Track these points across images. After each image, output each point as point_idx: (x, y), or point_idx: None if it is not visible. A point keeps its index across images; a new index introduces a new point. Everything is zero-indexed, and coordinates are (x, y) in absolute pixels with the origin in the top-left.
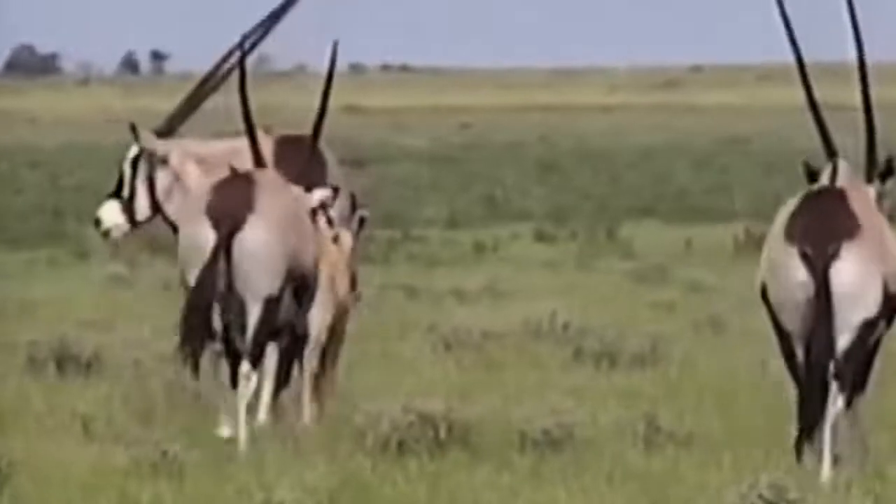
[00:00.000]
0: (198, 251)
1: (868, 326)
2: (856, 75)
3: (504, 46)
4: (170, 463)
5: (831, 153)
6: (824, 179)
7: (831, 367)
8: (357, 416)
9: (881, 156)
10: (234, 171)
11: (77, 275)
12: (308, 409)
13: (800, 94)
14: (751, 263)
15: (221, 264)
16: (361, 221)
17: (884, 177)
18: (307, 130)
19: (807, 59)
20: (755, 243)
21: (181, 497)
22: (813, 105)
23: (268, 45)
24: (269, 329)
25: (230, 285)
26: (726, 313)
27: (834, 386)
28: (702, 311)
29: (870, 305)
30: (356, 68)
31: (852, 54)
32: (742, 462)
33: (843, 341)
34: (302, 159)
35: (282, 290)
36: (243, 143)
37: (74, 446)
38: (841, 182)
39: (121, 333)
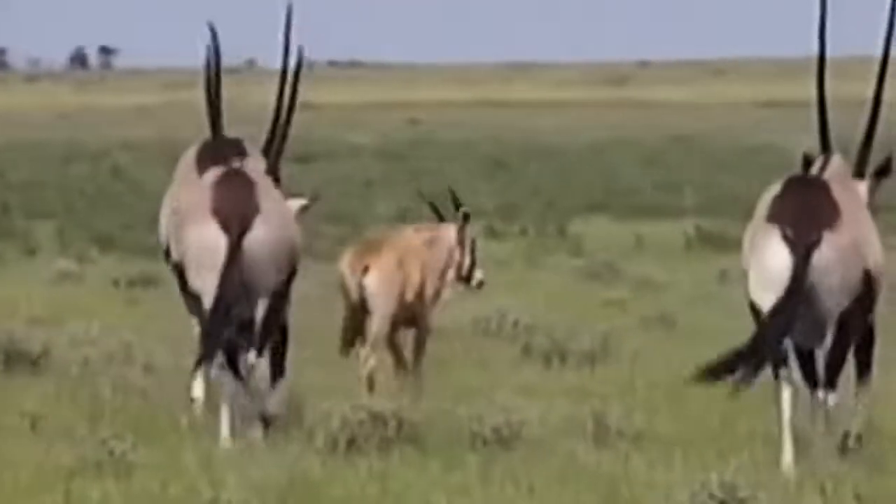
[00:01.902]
0: (207, 251)
1: (849, 317)
2: (872, 71)
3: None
4: (117, 461)
5: (826, 149)
6: (814, 170)
7: (818, 357)
8: (306, 415)
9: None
10: (225, 166)
11: (25, 271)
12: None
13: (749, 90)
14: (701, 260)
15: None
16: (466, 217)
17: (880, 174)
18: (266, 125)
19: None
20: (705, 240)
21: (129, 495)
22: (821, 101)
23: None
24: (276, 323)
25: (240, 283)
26: (676, 310)
27: (822, 391)
28: (652, 308)
29: (849, 295)
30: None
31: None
32: (692, 460)
33: (827, 331)
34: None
35: (286, 283)
36: None
37: (22, 444)
38: (830, 175)
39: (69, 330)
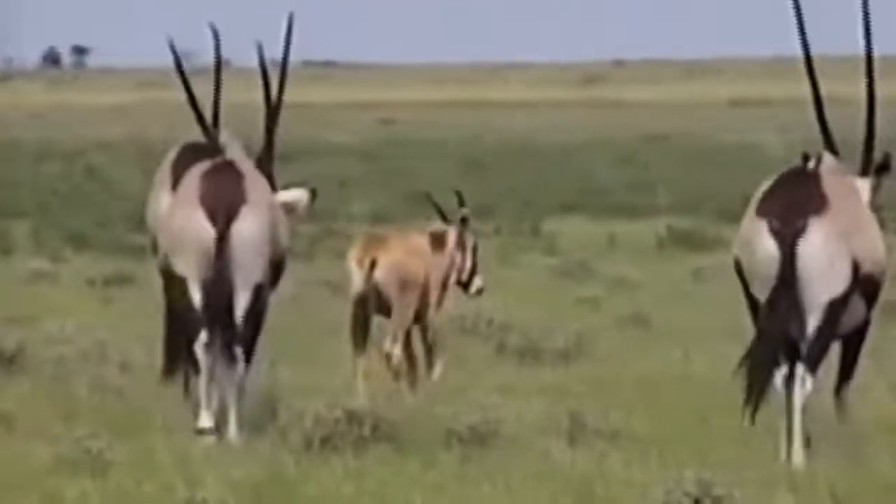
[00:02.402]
0: (194, 238)
1: (836, 306)
2: (861, 70)
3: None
4: (94, 460)
5: (831, 148)
6: (809, 167)
7: (802, 348)
8: (281, 414)
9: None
10: (216, 159)
11: (0, 270)
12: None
13: (721, 90)
14: (674, 259)
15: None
16: (464, 220)
17: (880, 171)
18: (238, 125)
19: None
20: (678, 239)
21: (105, 494)
22: (817, 101)
23: (191, 41)
24: (260, 312)
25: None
26: (650, 309)
27: (801, 367)
28: (625, 307)
29: (836, 283)
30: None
31: (854, 49)
32: (668, 458)
33: (812, 321)
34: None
35: (270, 274)
36: None
37: None
38: (822, 170)
39: (44, 329)
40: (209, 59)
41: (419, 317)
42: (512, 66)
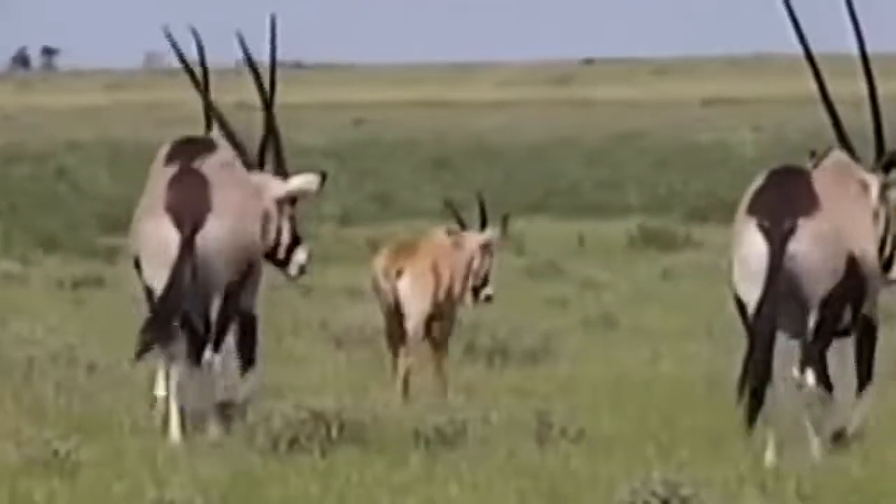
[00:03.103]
0: (160, 247)
1: (831, 304)
2: (859, 67)
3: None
4: (62, 461)
5: (845, 144)
6: (809, 164)
7: (799, 348)
8: (249, 414)
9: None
10: (184, 165)
11: None
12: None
13: (691, 88)
14: (643, 258)
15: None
16: (505, 221)
17: (887, 167)
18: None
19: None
20: (647, 238)
21: (74, 495)
22: (825, 97)
23: (160, 43)
24: (231, 317)
25: (193, 279)
26: (619, 309)
27: (799, 367)
28: (594, 308)
29: (828, 282)
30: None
31: (852, 46)
32: (634, 458)
33: (809, 320)
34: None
35: (240, 280)
36: None
37: None
38: (825, 166)
39: (13, 331)
40: (174, 60)
41: (443, 315)
42: (481, 66)
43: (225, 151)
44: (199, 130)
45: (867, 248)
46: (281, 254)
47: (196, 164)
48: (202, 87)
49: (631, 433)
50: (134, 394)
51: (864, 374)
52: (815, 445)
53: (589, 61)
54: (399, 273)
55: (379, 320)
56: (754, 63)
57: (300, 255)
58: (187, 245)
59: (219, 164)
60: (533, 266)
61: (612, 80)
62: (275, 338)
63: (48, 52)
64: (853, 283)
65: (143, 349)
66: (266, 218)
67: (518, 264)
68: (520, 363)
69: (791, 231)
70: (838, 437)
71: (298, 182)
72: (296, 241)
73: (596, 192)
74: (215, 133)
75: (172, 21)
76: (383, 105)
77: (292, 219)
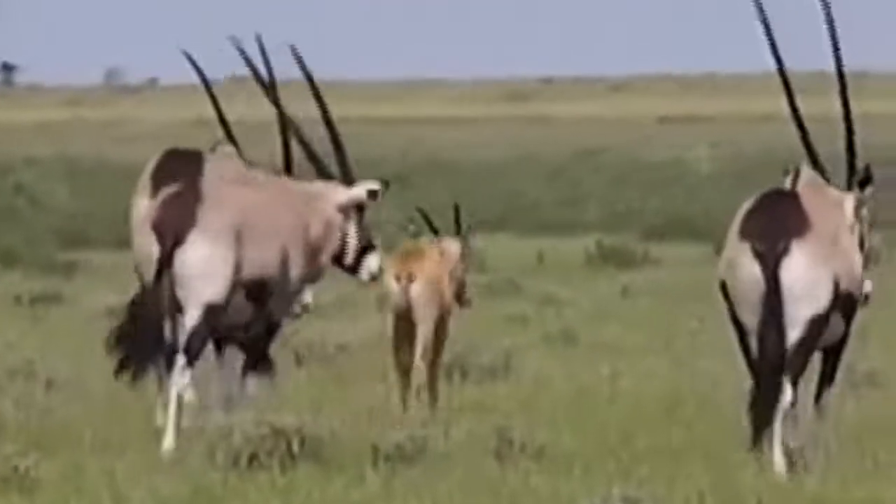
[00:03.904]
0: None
1: (818, 323)
2: (834, 85)
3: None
4: (21, 477)
5: (814, 161)
6: (787, 184)
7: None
8: (208, 430)
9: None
10: (185, 182)
11: None
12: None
13: (648, 106)
14: (602, 276)
15: (166, 275)
16: (469, 229)
17: (862, 184)
18: (167, 143)
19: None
20: (606, 255)
21: None
22: (796, 115)
23: (120, 59)
24: (207, 333)
25: (173, 292)
26: (578, 326)
27: (782, 379)
28: (554, 325)
29: (819, 302)
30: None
31: (828, 64)
32: (595, 475)
33: (792, 336)
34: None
35: (227, 297)
36: None
37: None
38: (801, 186)
39: None
40: (138, 77)
41: (444, 325)
42: (440, 83)
43: (218, 163)
44: (158, 146)
45: (853, 268)
46: (349, 260)
47: (194, 181)
48: (275, 98)
49: (591, 450)
50: (93, 409)
51: (826, 385)
52: (781, 460)
53: (547, 79)
54: (410, 278)
55: (340, 337)
56: (709, 81)
57: (371, 261)
58: (165, 261)
59: (221, 177)
60: (493, 283)
61: (570, 98)
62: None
63: (7, 68)
64: (841, 302)
65: (120, 367)
66: (328, 225)
67: (478, 282)
68: (480, 380)
69: (784, 252)
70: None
71: (361, 189)
72: (366, 247)
73: (555, 210)
74: (228, 149)
75: (134, 37)
76: (341, 121)
77: (361, 225)
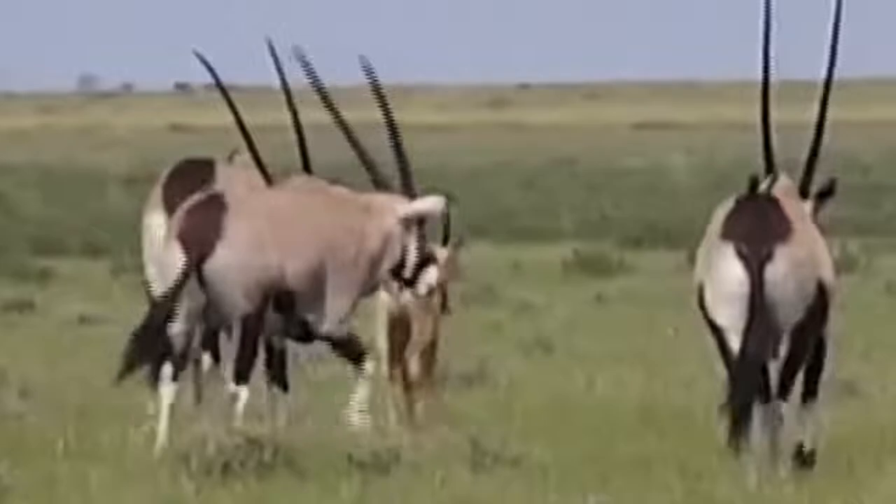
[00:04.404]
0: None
1: (802, 327)
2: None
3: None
4: None
5: (770, 171)
6: (763, 189)
7: (772, 374)
8: (181, 439)
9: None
10: (204, 191)
11: None
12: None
13: (624, 113)
14: (578, 283)
15: (193, 287)
16: (458, 240)
17: (823, 196)
18: (141, 150)
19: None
20: (582, 263)
21: None
22: (765, 122)
23: (94, 65)
24: (254, 345)
25: (207, 307)
26: (554, 334)
27: (760, 379)
28: (529, 332)
29: (803, 306)
30: (181, 87)
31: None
32: (570, 484)
33: (782, 347)
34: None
35: (260, 307)
36: None
37: None
38: (777, 192)
39: None
40: (112, 84)
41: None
42: (416, 89)
43: (231, 173)
44: (131, 153)
45: (830, 273)
46: (408, 273)
47: (216, 190)
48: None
49: (566, 458)
50: (66, 417)
51: (811, 391)
52: (754, 469)
53: (524, 86)
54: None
55: (312, 347)
56: (685, 88)
57: (430, 275)
58: (188, 272)
59: (239, 185)
60: (468, 291)
61: (547, 105)
62: None
63: None
64: (822, 306)
65: (125, 370)
66: (388, 237)
67: (453, 289)
68: (454, 388)
69: (769, 257)
70: (799, 459)
71: (424, 203)
72: (424, 261)
73: (531, 217)
74: (245, 158)
75: (109, 45)
76: (317, 128)
77: (421, 238)
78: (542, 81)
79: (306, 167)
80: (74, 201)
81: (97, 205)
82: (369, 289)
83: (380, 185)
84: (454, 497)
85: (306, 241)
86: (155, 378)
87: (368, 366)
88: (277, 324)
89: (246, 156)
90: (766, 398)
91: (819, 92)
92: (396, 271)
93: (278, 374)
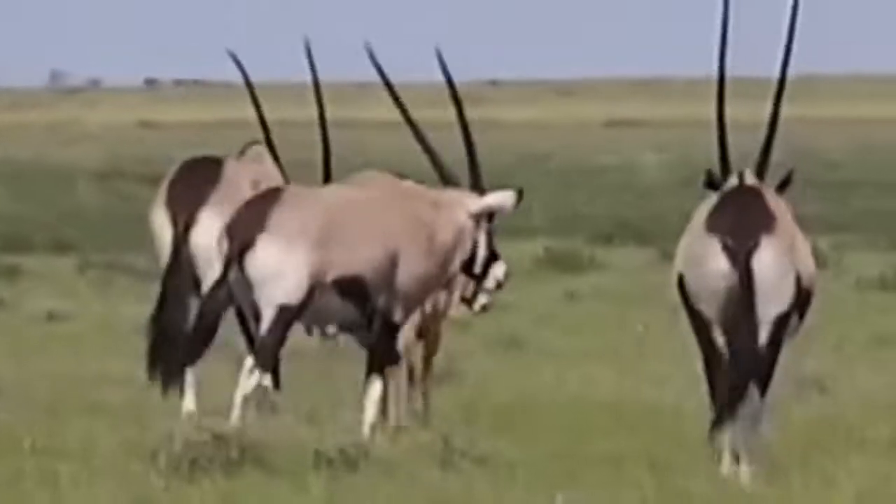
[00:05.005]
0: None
1: (783, 319)
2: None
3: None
4: None
5: (725, 169)
6: (733, 184)
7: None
8: (149, 436)
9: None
10: (273, 187)
11: None
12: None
13: (595, 110)
14: (547, 280)
15: (236, 278)
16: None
17: (780, 188)
18: (110, 145)
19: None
20: (553, 260)
21: None
22: (721, 120)
23: (63, 61)
24: (283, 335)
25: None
26: (524, 331)
27: (752, 374)
28: (499, 329)
29: (785, 298)
30: (150, 83)
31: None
32: (539, 482)
33: (762, 332)
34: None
35: (302, 300)
36: None
37: None
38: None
39: None
40: (79, 79)
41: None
42: (383, 85)
43: (238, 169)
44: (101, 149)
45: (811, 265)
46: (478, 268)
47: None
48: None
49: (535, 456)
50: (35, 414)
51: (766, 388)
52: (730, 463)
53: (494, 82)
54: None
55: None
56: (658, 85)
57: (498, 270)
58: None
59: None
60: None
61: (517, 102)
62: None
63: None
64: (803, 299)
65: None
66: (459, 233)
67: None
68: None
69: (755, 248)
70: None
71: (495, 198)
72: (493, 256)
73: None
74: (259, 149)
75: (80, 40)
76: (278, 124)
77: (489, 234)
78: (513, 78)
79: (327, 165)
80: (43, 197)
81: (66, 201)
82: (442, 283)
83: (448, 181)
84: (423, 494)
85: (370, 236)
86: (166, 380)
87: (378, 384)
88: (341, 315)
89: (258, 148)
90: (744, 392)
91: (774, 88)
92: (466, 266)
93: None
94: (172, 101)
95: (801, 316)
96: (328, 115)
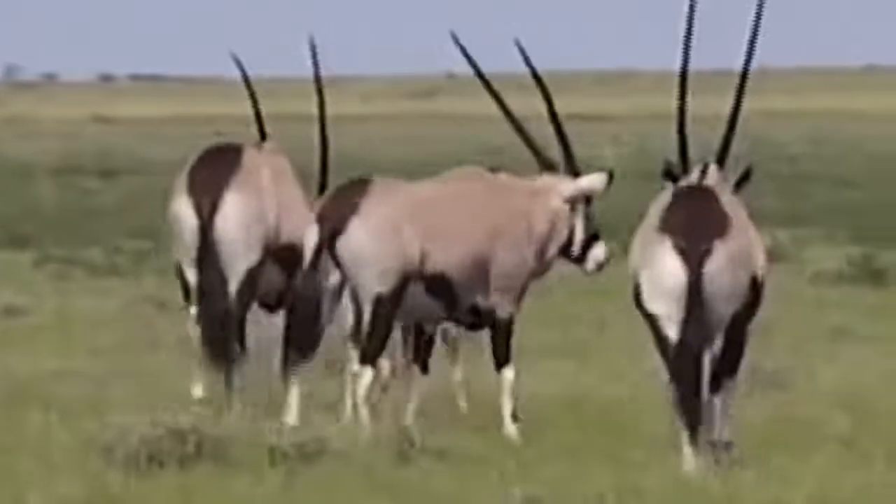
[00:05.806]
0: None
1: (737, 320)
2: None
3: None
4: None
5: (685, 166)
6: (693, 178)
7: (705, 361)
8: (106, 431)
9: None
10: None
11: None
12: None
13: (558, 104)
14: None
15: (324, 264)
16: None
17: (739, 183)
18: (66, 140)
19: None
20: None
21: None
22: (681, 116)
23: (16, 55)
24: (385, 327)
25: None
26: None
27: (701, 373)
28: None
29: (738, 300)
30: (105, 78)
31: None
32: (495, 475)
33: (716, 336)
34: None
35: (394, 290)
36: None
37: None
38: (709, 182)
39: None
40: (34, 73)
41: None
42: (345, 79)
43: (256, 156)
44: (56, 143)
45: (764, 265)
46: (576, 251)
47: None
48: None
49: (492, 450)
50: None
51: (727, 383)
52: (691, 458)
53: (452, 75)
54: None
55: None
56: (617, 78)
57: (598, 251)
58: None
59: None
60: None
61: (475, 95)
62: (133, 354)
63: None
64: (755, 301)
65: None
66: (556, 218)
67: None
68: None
69: (708, 252)
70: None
71: (588, 180)
72: (592, 238)
73: None
74: (273, 143)
75: (35, 35)
76: (244, 119)
77: (588, 216)
78: (469, 71)
79: (325, 165)
80: (1, 192)
81: (23, 196)
82: (541, 272)
83: (546, 167)
84: (380, 487)
85: (464, 229)
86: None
87: (509, 373)
88: (437, 309)
89: (274, 142)
90: (698, 392)
91: (735, 81)
92: (564, 249)
93: (423, 357)
94: (128, 95)
95: (752, 313)
96: (290, 109)
